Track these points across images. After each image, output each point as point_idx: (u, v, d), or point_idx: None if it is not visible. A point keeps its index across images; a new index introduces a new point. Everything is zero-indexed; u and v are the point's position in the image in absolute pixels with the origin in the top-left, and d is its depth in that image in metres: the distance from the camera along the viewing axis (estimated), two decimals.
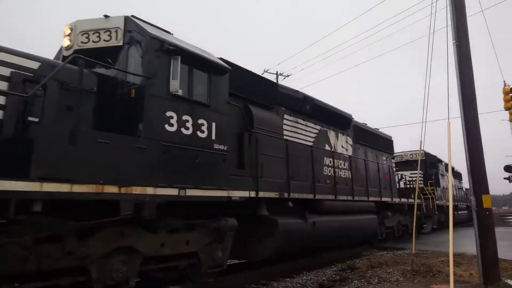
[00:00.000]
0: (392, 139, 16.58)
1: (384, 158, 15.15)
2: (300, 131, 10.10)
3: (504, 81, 17.50)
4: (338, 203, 10.44)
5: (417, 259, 9.84)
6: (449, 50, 7.87)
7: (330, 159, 10.75)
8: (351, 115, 12.83)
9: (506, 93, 17.78)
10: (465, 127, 7.51)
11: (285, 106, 9.55)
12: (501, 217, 28.35)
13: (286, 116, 9.55)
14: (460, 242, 12.49)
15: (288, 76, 33.73)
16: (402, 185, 18.87)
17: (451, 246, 5.16)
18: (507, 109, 18.15)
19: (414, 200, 12.75)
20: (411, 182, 18.38)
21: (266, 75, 33.67)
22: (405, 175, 19.32)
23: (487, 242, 7.01)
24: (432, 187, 19.35)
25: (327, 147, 11.00)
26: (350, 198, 11.06)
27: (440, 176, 22.27)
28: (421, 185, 17.34)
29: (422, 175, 18.86)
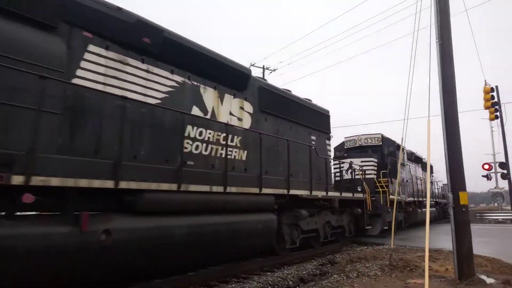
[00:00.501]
0: (329, 114, 13.52)
1: (313, 137, 12.18)
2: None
3: (485, 80, 17.93)
4: (189, 196, 6.72)
5: (396, 254, 10.02)
6: (432, 49, 7.97)
7: (199, 129, 7.66)
8: (250, 71, 9.71)
9: (486, 92, 18.25)
10: (445, 125, 7.64)
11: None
12: (478, 214, 29.07)
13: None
14: (438, 238, 12.78)
15: (274, 70, 33.75)
16: (349, 175, 14.47)
17: (427, 242, 5.27)
18: (487, 108, 18.64)
19: (395, 194, 12.91)
20: (363, 172, 14.58)
21: (252, 69, 33.66)
22: (355, 163, 14.98)
23: (462, 238, 7.19)
24: (386, 179, 15.92)
25: (196, 111, 7.83)
26: (219, 189, 7.29)
27: (399, 166, 18.83)
28: (370, 176, 15.62)
29: (376, 164, 16.72)
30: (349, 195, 12.88)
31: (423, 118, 9.23)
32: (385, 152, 17.59)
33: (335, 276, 7.79)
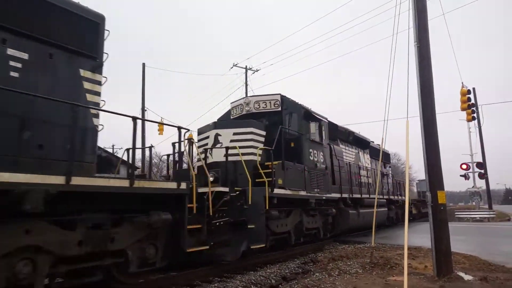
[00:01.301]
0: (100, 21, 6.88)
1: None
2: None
3: (462, 83, 18.34)
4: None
5: (376, 252, 10.20)
6: (410, 52, 8.15)
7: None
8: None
9: (463, 94, 18.67)
10: (423, 126, 7.83)
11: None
12: (456, 213, 29.75)
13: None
14: (418, 236, 13.03)
15: (257, 71, 33.81)
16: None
17: (406, 239, 5.40)
18: (463, 109, 19.08)
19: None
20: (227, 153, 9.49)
21: (235, 69, 33.65)
22: (224, 137, 10.57)
23: (441, 236, 7.37)
24: (273, 163, 9.81)
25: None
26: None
27: (307, 144, 12.06)
28: (248, 158, 9.86)
29: (260, 139, 10.99)
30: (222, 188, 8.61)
31: (402, 119, 9.42)
32: (286, 121, 11.93)
33: (317, 274, 7.89)
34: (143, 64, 29.30)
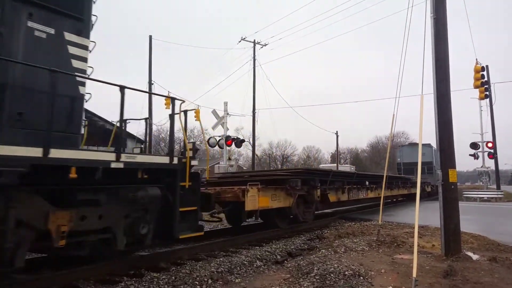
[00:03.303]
0: None
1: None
2: None
3: (476, 59, 17.83)
4: None
5: (383, 230, 10.10)
6: (426, 25, 7.80)
7: None
8: None
9: (477, 71, 18.17)
10: (436, 102, 7.57)
11: None
12: (464, 193, 29.56)
13: None
14: (425, 215, 12.91)
15: (265, 45, 33.19)
16: None
17: (416, 218, 5.27)
18: (476, 87, 18.62)
19: (385, 170, 12.88)
20: None
21: (243, 43, 33.10)
22: None
23: (451, 215, 7.24)
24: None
25: None
26: None
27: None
28: None
29: None
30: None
31: (415, 96, 9.16)
32: None
33: (323, 251, 7.83)
34: (150, 37, 28.91)
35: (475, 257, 7.01)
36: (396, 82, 8.80)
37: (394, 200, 21.93)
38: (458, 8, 10.04)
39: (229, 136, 22.39)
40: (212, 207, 8.90)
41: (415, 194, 20.89)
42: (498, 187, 30.59)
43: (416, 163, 26.87)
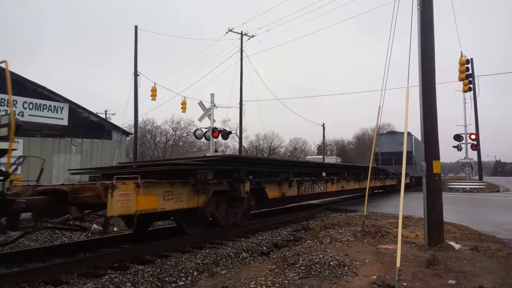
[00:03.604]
0: None
1: None
2: None
3: (461, 52, 18.01)
4: None
5: (368, 220, 10.22)
6: (413, 17, 7.83)
7: None
8: None
9: (462, 64, 18.35)
10: (422, 94, 7.63)
11: None
12: (446, 183, 30.06)
13: None
14: (409, 206, 13.10)
15: (252, 36, 32.98)
16: None
17: (401, 208, 5.33)
18: (461, 79, 18.82)
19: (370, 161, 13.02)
20: None
21: (230, 35, 32.83)
22: None
23: (434, 205, 7.34)
24: None
25: None
26: None
27: None
28: None
29: None
30: None
31: (400, 89, 9.20)
32: None
33: (309, 241, 7.88)
34: (135, 27, 28.44)
35: (457, 246, 7.14)
36: (383, 73, 8.85)
37: (375, 192, 20.79)
38: (444, 1, 10.09)
39: (215, 128, 22.28)
40: (66, 211, 5.94)
41: (390, 186, 20.42)
42: (481, 178, 31.21)
43: (396, 153, 25.56)
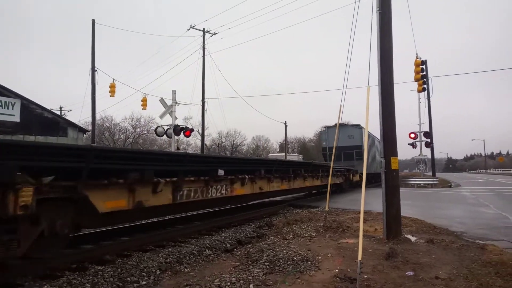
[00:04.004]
0: None
1: None
2: None
3: (416, 54, 18.76)
4: None
5: (329, 216, 10.43)
6: (373, 18, 8.05)
7: None
8: None
9: (417, 65, 19.14)
10: (381, 93, 7.88)
11: None
12: (402, 179, 31.25)
13: None
14: (368, 201, 13.50)
15: (215, 34, 32.76)
16: None
17: (362, 205, 5.47)
18: (417, 80, 19.63)
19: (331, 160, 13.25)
20: None
21: (192, 31, 32.41)
22: None
23: (392, 200, 7.61)
24: None
25: None
26: None
27: None
28: None
29: None
30: None
31: (361, 88, 9.47)
32: None
33: (272, 237, 7.95)
34: (93, 21, 27.48)
35: (414, 239, 7.44)
36: (344, 73, 9.02)
37: (313, 192, 18.38)
38: (402, 5, 10.46)
39: (177, 125, 21.95)
40: None
41: (335, 185, 18.83)
42: (434, 174, 32.70)
43: (345, 147, 23.76)
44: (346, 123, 25.31)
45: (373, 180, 29.23)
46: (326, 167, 16.92)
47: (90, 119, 28.26)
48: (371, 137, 27.80)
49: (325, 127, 27.60)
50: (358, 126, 25.80)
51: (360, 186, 21.43)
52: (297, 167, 14.09)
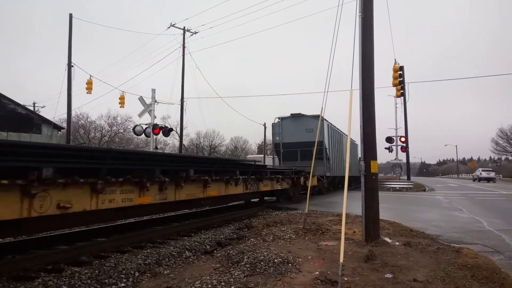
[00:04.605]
0: None
1: None
2: None
3: (395, 59, 19.12)
4: None
5: (309, 218, 10.49)
6: (356, 23, 8.15)
7: None
8: None
9: (395, 70, 19.50)
10: (362, 97, 7.98)
11: None
12: (378, 183, 31.74)
13: None
14: (347, 203, 13.65)
15: (195, 33, 32.54)
16: None
17: (344, 207, 5.53)
18: (395, 85, 19.99)
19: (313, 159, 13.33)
20: None
21: (172, 30, 32.09)
22: None
23: (371, 203, 7.71)
24: None
25: None
26: None
27: None
28: None
29: None
30: None
31: (342, 91, 9.57)
32: None
33: (252, 239, 7.92)
34: (70, 15, 26.86)
35: (391, 242, 7.55)
36: (326, 77, 9.10)
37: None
38: (382, 12, 10.64)
39: (156, 125, 21.70)
40: None
41: (278, 192, 16.09)
42: (409, 178, 33.38)
43: (303, 144, 19.62)
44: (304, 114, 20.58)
45: (340, 185, 26.10)
46: (252, 167, 12.03)
47: (65, 116, 27.66)
48: (336, 131, 24.47)
49: (279, 117, 21.66)
50: (316, 118, 18.85)
51: (317, 194, 19.60)
52: (224, 167, 10.40)
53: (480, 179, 50.35)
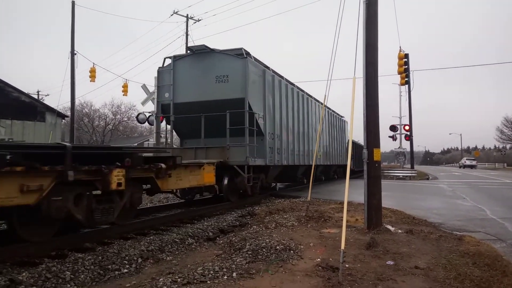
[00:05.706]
0: None
1: None
2: None
3: (400, 47, 18.94)
4: None
5: (311, 206, 10.51)
6: (360, 9, 8.04)
7: None
8: None
9: (400, 58, 19.35)
10: (365, 84, 7.92)
11: None
12: (382, 171, 31.73)
13: None
14: (349, 191, 13.66)
15: (198, 20, 32.34)
16: None
17: (346, 195, 5.53)
18: (400, 73, 19.86)
19: (315, 150, 13.32)
20: None
21: (175, 17, 31.87)
22: None
23: (374, 191, 7.70)
24: None
25: None
26: None
27: None
28: None
29: None
30: None
31: (347, 79, 9.48)
32: None
33: (255, 227, 7.96)
34: (73, 3, 26.71)
35: (393, 229, 7.56)
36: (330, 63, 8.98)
37: None
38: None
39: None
40: None
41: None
42: (412, 167, 33.31)
43: (208, 104, 11.06)
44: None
45: (332, 173, 24.80)
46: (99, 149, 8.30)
47: (68, 104, 27.68)
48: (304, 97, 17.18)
49: (170, 57, 12.78)
50: (241, 55, 11.93)
51: (253, 194, 17.03)
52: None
53: (464, 166, 62.97)
